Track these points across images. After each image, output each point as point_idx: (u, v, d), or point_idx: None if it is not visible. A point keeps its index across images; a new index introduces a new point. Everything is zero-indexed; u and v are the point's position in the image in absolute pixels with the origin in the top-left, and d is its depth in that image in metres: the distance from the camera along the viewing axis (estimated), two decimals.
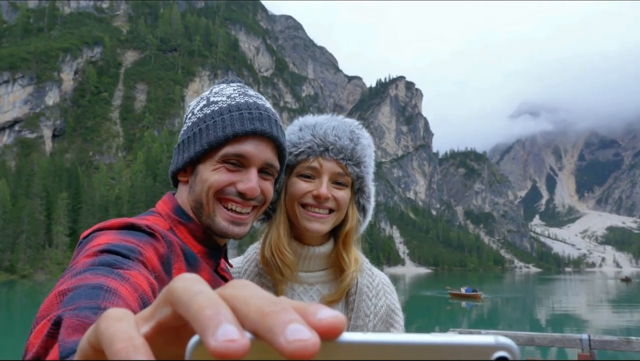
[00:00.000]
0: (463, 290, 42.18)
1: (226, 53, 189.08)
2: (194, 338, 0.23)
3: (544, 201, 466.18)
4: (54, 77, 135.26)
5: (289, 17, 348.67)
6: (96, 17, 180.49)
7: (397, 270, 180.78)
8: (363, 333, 0.23)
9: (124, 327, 0.23)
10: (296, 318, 0.22)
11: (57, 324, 0.52)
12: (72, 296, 0.59)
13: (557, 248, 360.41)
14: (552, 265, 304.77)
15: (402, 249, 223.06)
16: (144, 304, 0.66)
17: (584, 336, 4.28)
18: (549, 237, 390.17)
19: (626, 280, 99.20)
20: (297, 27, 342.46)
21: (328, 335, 0.22)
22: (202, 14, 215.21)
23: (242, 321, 0.22)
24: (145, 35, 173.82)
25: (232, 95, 1.06)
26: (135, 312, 0.57)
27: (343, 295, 1.27)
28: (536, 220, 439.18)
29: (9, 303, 36.05)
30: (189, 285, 0.24)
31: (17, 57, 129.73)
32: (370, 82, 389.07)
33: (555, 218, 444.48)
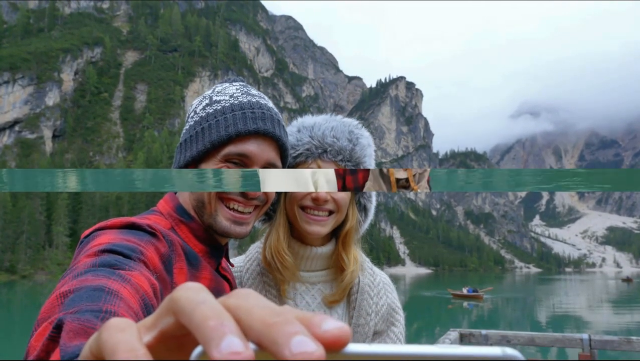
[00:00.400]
0: (465, 291, 42.20)
1: (226, 53, 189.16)
2: (198, 349, 0.22)
3: (544, 201, 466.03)
4: (54, 77, 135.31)
5: (289, 18, 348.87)
6: (96, 18, 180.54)
7: (398, 270, 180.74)
8: (368, 345, 0.23)
9: (126, 338, 0.23)
10: (300, 330, 0.21)
11: (58, 327, 0.51)
12: (74, 298, 0.58)
13: (558, 248, 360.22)
14: (552, 265, 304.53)
15: (402, 249, 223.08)
16: (145, 305, 0.66)
17: (585, 336, 4.26)
18: (549, 237, 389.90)
19: (627, 280, 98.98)
20: (297, 27, 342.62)
21: (333, 346, 0.22)
22: (202, 14, 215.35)
23: (245, 332, 0.22)
24: (146, 36, 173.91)
25: (235, 95, 1.06)
26: (137, 314, 0.61)
27: (345, 294, 1.27)
28: (536, 220, 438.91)
29: (9, 304, 36.08)
30: (192, 295, 0.23)
31: (17, 57, 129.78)
32: (370, 82, 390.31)
33: (556, 218, 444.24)
